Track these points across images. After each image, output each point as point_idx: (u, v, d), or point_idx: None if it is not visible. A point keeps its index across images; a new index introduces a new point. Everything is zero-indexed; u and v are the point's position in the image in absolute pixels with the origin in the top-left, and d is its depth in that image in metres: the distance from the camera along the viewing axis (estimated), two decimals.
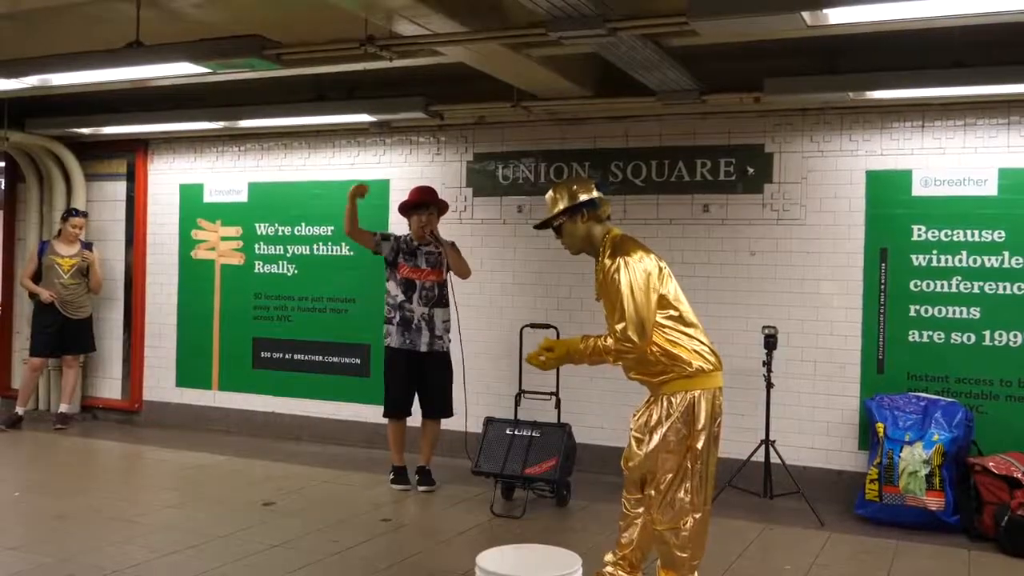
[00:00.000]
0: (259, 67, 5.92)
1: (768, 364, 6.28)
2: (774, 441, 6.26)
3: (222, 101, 7.74)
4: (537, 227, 4.53)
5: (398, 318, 6.57)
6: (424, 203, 6.57)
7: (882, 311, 6.48)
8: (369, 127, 7.94)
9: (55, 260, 8.69)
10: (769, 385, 6.28)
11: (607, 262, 4.11)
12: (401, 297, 6.57)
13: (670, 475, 3.99)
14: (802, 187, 6.72)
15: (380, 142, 8.14)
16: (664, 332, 4.03)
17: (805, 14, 4.21)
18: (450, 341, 6.71)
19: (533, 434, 6.15)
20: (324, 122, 7.89)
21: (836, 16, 4.33)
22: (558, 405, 6.52)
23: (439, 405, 6.70)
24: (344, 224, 6.65)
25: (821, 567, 5.10)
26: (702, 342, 4.10)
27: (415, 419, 6.76)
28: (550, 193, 4.33)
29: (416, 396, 6.72)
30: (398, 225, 7.58)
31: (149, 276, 9.21)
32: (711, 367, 4.06)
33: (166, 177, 9.14)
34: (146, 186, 9.24)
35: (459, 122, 7.62)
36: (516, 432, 6.19)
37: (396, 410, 6.68)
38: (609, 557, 4.31)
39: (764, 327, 6.36)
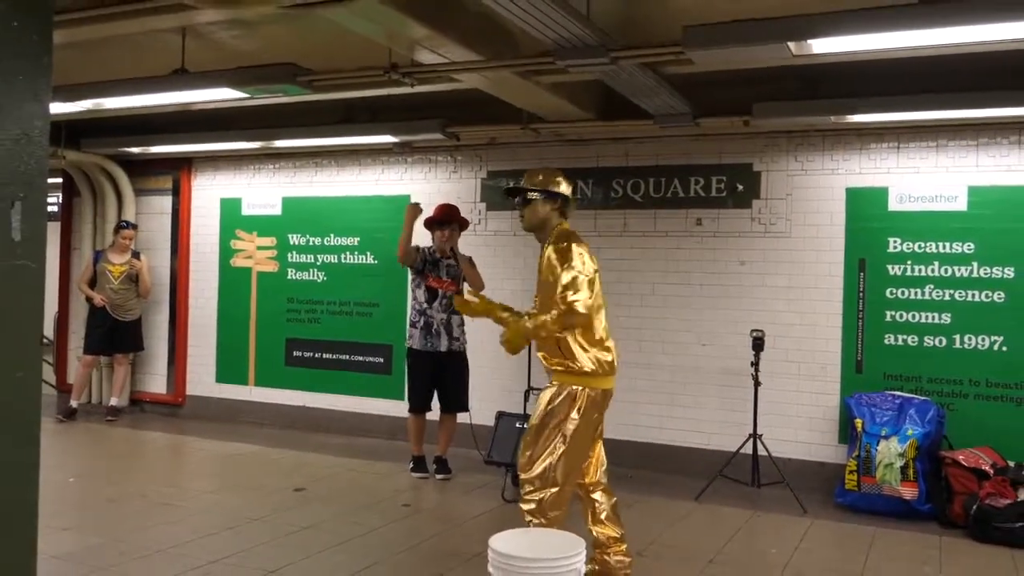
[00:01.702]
0: (292, 92, 5.94)
1: (756, 364, 6.26)
2: (761, 435, 6.24)
3: (258, 123, 7.76)
4: (508, 191, 4.55)
5: (421, 322, 6.59)
6: (446, 220, 6.60)
7: (861, 316, 6.46)
8: (392, 147, 7.95)
9: (107, 267, 8.74)
10: (757, 383, 6.26)
11: (554, 246, 4.17)
12: (425, 304, 6.60)
13: (548, 448, 4.10)
14: (787, 203, 6.71)
15: (402, 160, 8.16)
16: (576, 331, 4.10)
17: (791, 44, 4.22)
18: (466, 343, 6.74)
19: None
20: (351, 142, 7.91)
21: (819, 46, 4.33)
22: None
23: (456, 401, 6.72)
24: (400, 248, 6.54)
25: (804, 551, 5.08)
26: (605, 348, 4.18)
27: (433, 413, 6.77)
28: (541, 171, 4.40)
29: (435, 392, 6.74)
30: (418, 238, 7.60)
31: (192, 282, 9.23)
32: (603, 372, 4.14)
33: (208, 192, 9.17)
34: (190, 200, 9.27)
35: (474, 142, 7.62)
36: (525, 425, 6.17)
37: (418, 406, 6.70)
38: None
39: (752, 330, 6.35)
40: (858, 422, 6.01)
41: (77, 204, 9.65)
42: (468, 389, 6.77)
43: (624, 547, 4.25)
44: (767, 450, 6.21)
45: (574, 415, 4.08)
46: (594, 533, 4.25)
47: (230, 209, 9.03)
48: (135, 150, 8.84)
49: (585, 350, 4.09)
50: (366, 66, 5.59)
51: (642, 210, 7.14)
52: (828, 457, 6.48)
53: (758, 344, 6.26)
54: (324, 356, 8.45)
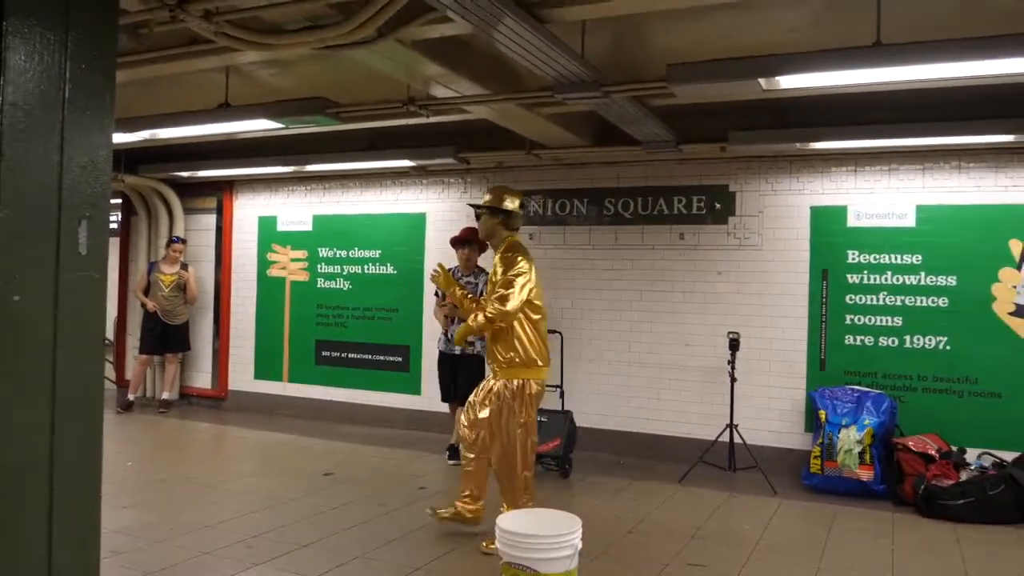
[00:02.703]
0: (322, 123, 5.95)
1: (732, 362, 6.27)
2: (737, 425, 6.25)
3: (292, 150, 7.78)
4: (471, 204, 4.87)
5: (446, 335, 6.62)
6: (465, 240, 6.55)
7: (824, 319, 6.47)
8: (410, 170, 7.97)
9: (159, 277, 8.77)
10: (733, 379, 6.26)
11: (501, 255, 4.47)
12: (447, 320, 6.58)
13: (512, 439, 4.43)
14: (759, 219, 6.72)
15: (418, 182, 8.18)
16: (526, 325, 4.43)
17: (761, 80, 4.23)
18: (481, 347, 6.65)
19: (541, 419, 6.14)
20: (374, 167, 7.91)
21: (786, 82, 4.35)
22: (562, 395, 6.53)
23: (467, 395, 6.69)
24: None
25: (775, 527, 5.09)
26: (544, 347, 4.53)
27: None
28: (494, 189, 4.75)
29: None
30: (432, 251, 7.64)
31: (233, 290, 9.26)
32: (542, 364, 4.50)
33: (247, 211, 9.20)
34: (231, 218, 9.30)
35: (482, 166, 7.64)
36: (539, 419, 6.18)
37: (445, 397, 6.73)
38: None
39: (728, 332, 6.36)
40: (822, 413, 6.01)
41: (134, 222, 9.68)
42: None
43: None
44: (742, 438, 6.21)
45: (526, 407, 4.42)
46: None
47: (267, 226, 9.06)
48: (184, 174, 8.86)
49: (539, 349, 4.45)
50: (387, 99, 5.62)
51: (631, 226, 7.15)
52: (795, 444, 6.48)
53: (734, 344, 6.27)
54: (349, 356, 8.46)
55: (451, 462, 6.56)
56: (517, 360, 4.42)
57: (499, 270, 4.41)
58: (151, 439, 7.64)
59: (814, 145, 6.02)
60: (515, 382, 4.42)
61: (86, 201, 2.18)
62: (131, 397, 8.79)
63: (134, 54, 4.56)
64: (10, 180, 1.98)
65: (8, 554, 1.91)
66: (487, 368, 4.68)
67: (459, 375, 6.62)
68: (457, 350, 6.55)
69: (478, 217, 4.70)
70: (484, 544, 4.40)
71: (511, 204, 4.63)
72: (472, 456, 4.67)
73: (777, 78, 4.21)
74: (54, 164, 2.11)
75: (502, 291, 4.32)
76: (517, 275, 4.34)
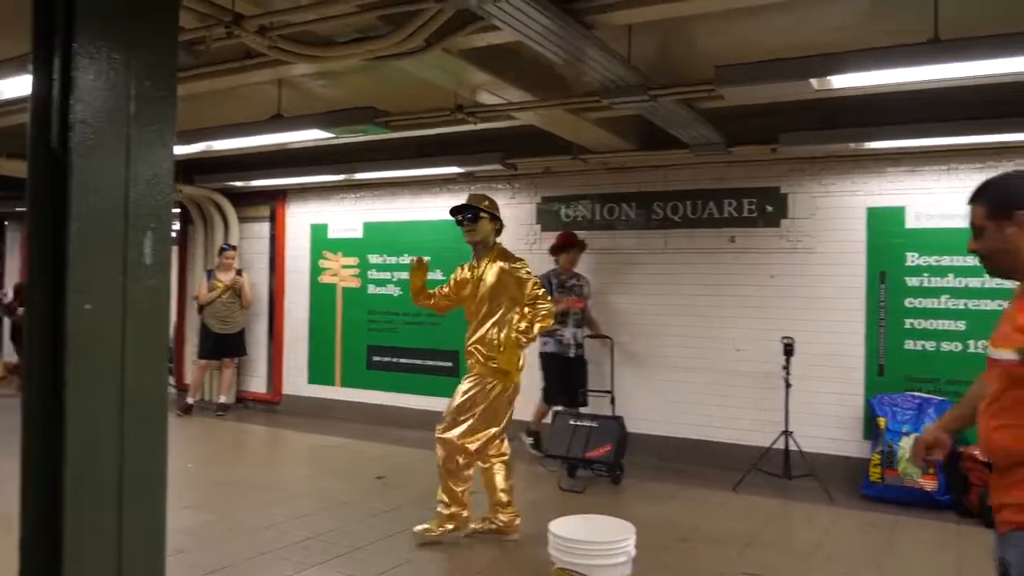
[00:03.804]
0: (372, 132, 6.08)
1: (786, 368, 6.20)
2: (792, 432, 6.17)
3: (342, 159, 7.94)
4: (456, 208, 4.88)
5: (556, 335, 6.68)
6: (567, 245, 6.73)
7: (882, 324, 6.36)
8: (457, 176, 8.07)
9: (215, 284, 9.00)
10: (787, 385, 6.19)
11: (504, 264, 4.69)
12: (556, 324, 6.46)
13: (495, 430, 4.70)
14: (812, 222, 6.64)
15: (466, 188, 8.22)
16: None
17: (813, 81, 4.20)
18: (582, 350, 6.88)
19: (593, 424, 6.17)
20: (422, 174, 8.02)
21: (838, 82, 4.30)
22: (613, 401, 6.53)
23: (582, 397, 6.79)
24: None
25: (833, 537, 5.02)
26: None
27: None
28: (486, 197, 4.93)
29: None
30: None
31: (287, 296, 9.46)
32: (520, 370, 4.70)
33: (299, 219, 9.40)
34: (284, 226, 9.51)
35: (529, 171, 7.69)
36: (579, 423, 6.21)
37: (554, 400, 6.78)
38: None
39: (782, 337, 6.29)
40: (881, 420, 5.91)
41: (191, 231, 9.95)
42: (587, 386, 6.87)
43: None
44: (797, 445, 6.14)
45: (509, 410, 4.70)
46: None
47: (318, 233, 9.24)
48: (239, 184, 9.11)
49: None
50: (435, 107, 5.71)
51: (680, 229, 7.12)
52: (853, 452, 6.37)
53: (788, 350, 6.20)
54: (400, 360, 8.57)
55: (533, 451, 6.77)
56: (521, 364, 4.68)
57: (522, 275, 4.65)
58: (209, 441, 7.83)
59: (868, 145, 5.94)
60: (511, 383, 4.67)
61: (151, 213, 2.28)
62: (190, 401, 8.99)
63: (190, 69, 4.72)
64: (80, 195, 2.08)
65: (82, 552, 2.01)
66: (473, 370, 4.79)
67: (574, 377, 6.69)
68: (572, 352, 6.66)
69: (472, 220, 4.77)
70: (419, 528, 4.70)
71: (499, 213, 4.91)
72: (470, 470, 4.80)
73: (830, 78, 4.17)
74: (121, 178, 2.21)
75: (541, 291, 4.63)
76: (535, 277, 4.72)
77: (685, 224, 7.10)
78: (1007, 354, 2.06)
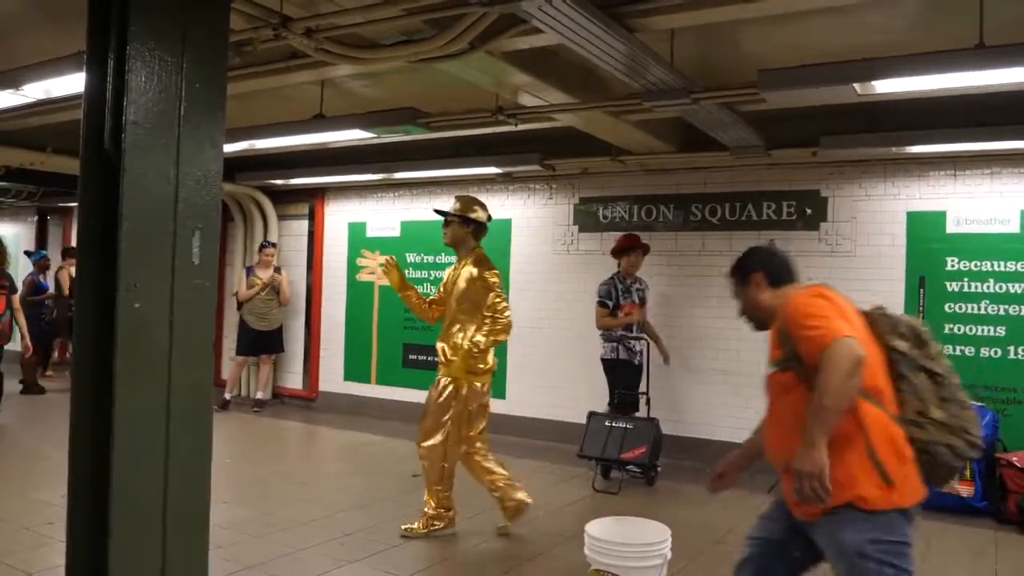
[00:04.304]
0: (413, 132, 6.08)
1: None
2: None
3: (381, 158, 7.95)
4: (438, 210, 4.96)
5: (622, 343, 6.50)
6: (630, 247, 6.52)
7: None
8: (495, 177, 8.06)
9: (255, 281, 9.08)
10: None
11: (475, 270, 4.69)
12: (622, 330, 6.49)
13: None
14: (852, 225, 6.53)
15: (504, 188, 8.26)
16: None
17: (856, 85, 4.12)
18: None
19: (627, 426, 6.12)
20: (460, 174, 8.03)
21: (882, 87, 4.23)
22: (648, 403, 6.47)
23: (637, 403, 6.57)
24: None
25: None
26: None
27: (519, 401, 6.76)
28: (463, 199, 4.93)
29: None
30: (517, 256, 7.69)
31: (324, 294, 9.52)
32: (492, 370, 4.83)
33: (338, 217, 9.46)
34: (323, 224, 9.58)
35: (567, 172, 7.65)
36: (613, 424, 6.16)
37: (621, 406, 6.49)
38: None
39: None
40: None
41: (230, 228, 10.06)
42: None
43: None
44: None
45: (481, 412, 4.77)
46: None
47: (356, 232, 9.29)
48: (279, 182, 9.18)
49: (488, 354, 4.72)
50: (475, 108, 5.71)
51: (718, 232, 7.05)
52: None
53: None
54: (435, 359, 8.54)
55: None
56: (483, 367, 4.73)
57: (490, 287, 4.65)
58: (247, 437, 7.90)
59: (910, 149, 5.82)
60: (478, 384, 4.74)
61: (199, 213, 2.30)
62: (227, 396, 9.08)
63: (236, 69, 4.76)
64: (132, 194, 2.11)
65: (128, 545, 2.03)
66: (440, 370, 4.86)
67: (635, 383, 6.53)
68: (638, 359, 6.51)
69: (446, 224, 4.85)
70: (404, 528, 4.77)
71: (480, 215, 4.86)
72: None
73: (873, 83, 4.10)
74: (171, 178, 2.24)
75: (499, 303, 4.65)
76: (500, 290, 4.70)
77: (723, 226, 7.02)
78: (771, 368, 2.56)
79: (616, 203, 7.58)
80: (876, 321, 2.62)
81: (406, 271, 8.78)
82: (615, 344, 6.55)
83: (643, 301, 6.69)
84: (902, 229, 6.34)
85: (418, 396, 8.61)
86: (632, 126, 5.77)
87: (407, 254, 8.85)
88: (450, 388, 4.74)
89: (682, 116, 5.32)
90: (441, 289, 4.99)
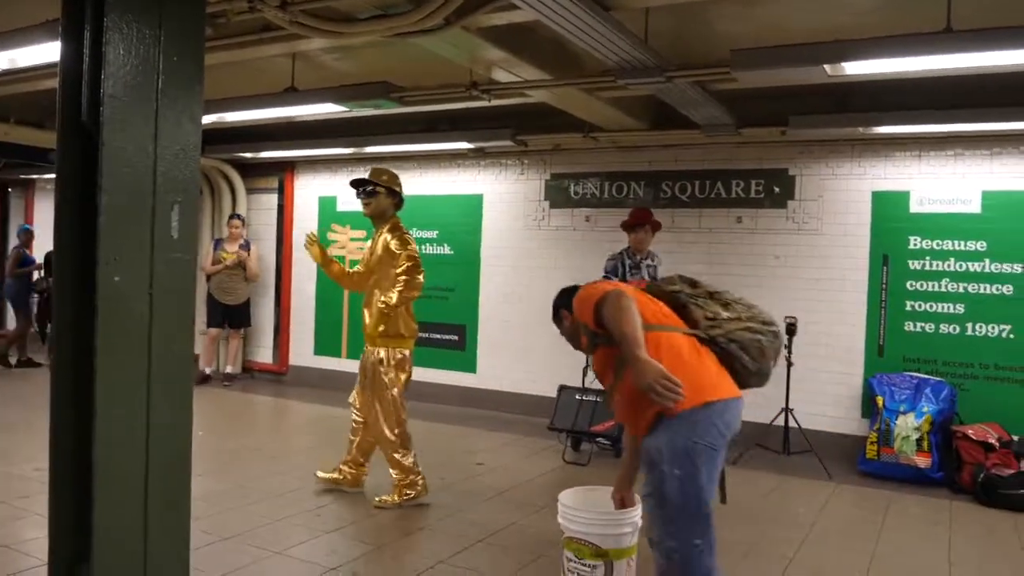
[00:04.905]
0: (385, 106, 6.05)
1: (788, 347, 6.22)
2: (792, 409, 6.22)
3: (351, 132, 7.91)
4: (354, 181, 5.03)
5: None
6: (638, 223, 6.29)
7: (883, 305, 6.39)
8: (467, 152, 8.05)
9: (222, 255, 8.99)
10: (789, 364, 6.23)
11: (389, 236, 4.81)
12: None
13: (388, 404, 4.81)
14: (819, 204, 6.64)
15: (476, 164, 8.25)
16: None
17: (827, 67, 4.19)
18: None
19: (597, 399, 6.19)
20: (432, 148, 8.00)
21: (851, 68, 4.29)
22: None
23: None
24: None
25: (829, 511, 5.09)
26: (414, 319, 4.96)
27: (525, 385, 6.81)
28: (386, 171, 5.02)
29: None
30: (489, 232, 7.71)
31: (294, 268, 9.46)
32: (410, 336, 4.90)
33: (308, 191, 9.39)
34: (292, 198, 9.50)
35: (539, 148, 7.67)
36: (583, 398, 6.24)
37: None
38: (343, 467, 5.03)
39: (786, 317, 6.30)
40: (879, 399, 5.97)
41: (197, 201, 9.92)
42: None
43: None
44: (797, 422, 6.19)
45: (402, 375, 4.82)
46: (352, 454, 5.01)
47: (327, 206, 9.23)
48: (247, 155, 9.07)
49: (409, 320, 4.86)
50: (449, 83, 5.69)
51: (688, 209, 7.13)
52: (851, 430, 6.44)
53: (791, 329, 6.23)
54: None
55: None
56: (405, 333, 4.85)
57: (394, 247, 4.78)
58: (217, 411, 7.87)
59: (877, 129, 5.93)
60: (398, 352, 4.83)
61: (178, 187, 2.30)
62: (207, 371, 9.02)
63: (209, 40, 4.69)
64: (110, 168, 2.10)
65: (110, 516, 2.05)
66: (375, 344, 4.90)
67: None
68: None
69: (369, 195, 4.91)
70: (377, 499, 4.86)
71: (400, 188, 5.01)
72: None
73: (843, 64, 4.16)
74: (149, 152, 2.23)
75: (408, 266, 4.73)
76: (415, 254, 4.82)
77: (693, 204, 7.11)
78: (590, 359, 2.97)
79: (588, 179, 7.62)
80: (657, 284, 3.08)
81: None
82: None
83: (654, 278, 6.54)
84: (867, 208, 6.47)
85: (417, 374, 8.64)
86: (605, 103, 5.80)
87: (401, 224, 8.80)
88: (373, 356, 4.85)
89: (655, 94, 5.36)
90: (361, 264, 5.11)
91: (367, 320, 4.90)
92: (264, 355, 9.67)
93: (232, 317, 9.10)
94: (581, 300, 2.85)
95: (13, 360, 9.67)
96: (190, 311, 2.44)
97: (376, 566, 3.96)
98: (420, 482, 4.87)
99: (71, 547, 2.08)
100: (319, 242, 5.08)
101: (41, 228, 10.94)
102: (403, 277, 4.71)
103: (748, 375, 2.89)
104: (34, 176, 11.91)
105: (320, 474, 5.10)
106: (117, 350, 2.11)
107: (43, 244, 10.03)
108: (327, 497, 4.95)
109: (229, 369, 9.20)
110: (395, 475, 4.85)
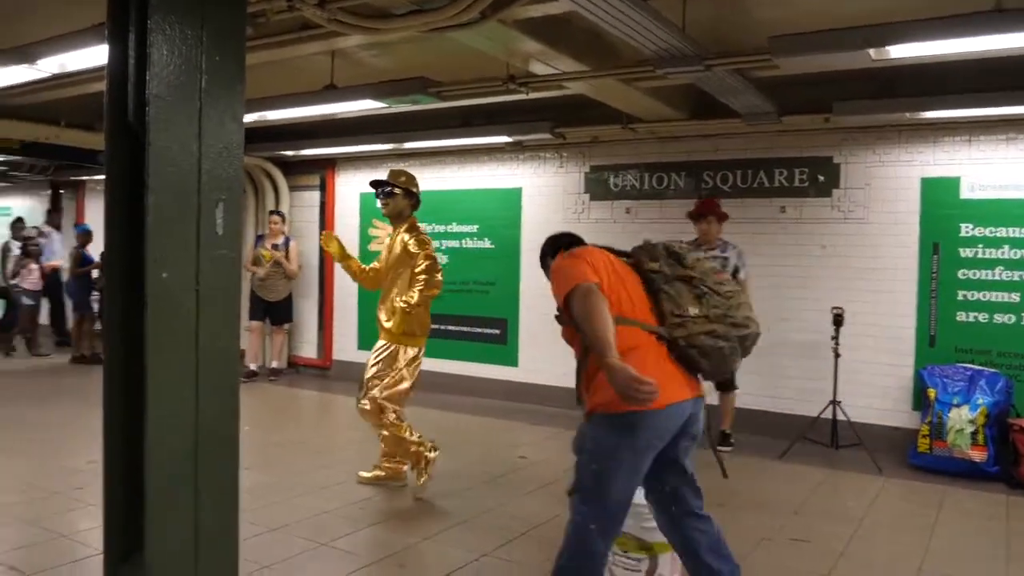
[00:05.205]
0: (423, 101, 6.09)
1: (836, 338, 6.14)
2: (840, 401, 6.13)
3: (390, 128, 7.97)
4: (374, 183, 5.15)
5: None
6: (701, 214, 6.24)
7: (934, 295, 6.25)
8: (505, 146, 8.06)
9: (261, 251, 9.12)
10: (836, 355, 6.13)
11: (407, 236, 4.96)
12: None
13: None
14: (865, 192, 6.52)
15: (514, 157, 8.26)
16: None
17: (871, 50, 4.11)
18: None
19: None
20: (470, 143, 8.03)
21: (896, 52, 4.20)
22: None
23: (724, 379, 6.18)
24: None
25: (880, 505, 5.00)
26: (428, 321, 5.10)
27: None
28: (404, 173, 5.17)
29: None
30: (528, 225, 7.71)
31: (336, 264, 9.53)
32: (426, 334, 5.10)
33: (349, 188, 9.49)
34: (334, 194, 9.62)
35: (578, 141, 7.65)
36: None
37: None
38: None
39: (832, 308, 6.22)
40: (931, 391, 5.84)
41: (241, 199, 10.08)
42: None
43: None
44: (845, 415, 6.10)
45: (414, 371, 5.00)
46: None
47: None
48: (289, 153, 9.20)
49: (425, 318, 5.01)
50: (486, 77, 5.70)
51: (730, 199, 7.02)
52: (902, 423, 6.31)
53: (838, 320, 6.13)
54: (449, 328, 8.62)
55: (723, 448, 6.20)
56: (418, 332, 5.01)
57: (412, 247, 4.91)
58: (264, 405, 7.99)
59: (925, 114, 5.79)
60: (410, 349, 4.99)
61: (222, 185, 2.35)
62: (253, 367, 9.12)
63: (249, 40, 4.76)
64: (156, 168, 2.15)
65: (161, 507, 2.11)
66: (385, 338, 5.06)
67: None
68: None
69: (388, 195, 5.02)
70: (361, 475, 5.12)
71: (417, 189, 5.14)
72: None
73: (888, 48, 4.08)
74: (194, 152, 2.28)
75: (426, 265, 4.88)
76: (434, 254, 4.97)
77: (735, 194, 7.02)
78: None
79: (627, 171, 7.58)
80: (637, 255, 3.02)
81: None
82: None
83: (721, 270, 6.32)
84: (916, 195, 6.33)
85: (431, 364, 8.69)
86: (643, 93, 5.76)
87: (418, 224, 8.86)
88: (389, 350, 4.99)
89: (694, 83, 5.30)
90: (379, 262, 5.22)
91: (382, 319, 5.05)
92: (308, 350, 9.81)
93: (273, 313, 9.23)
94: (556, 274, 2.84)
95: (80, 354, 9.98)
96: (235, 307, 2.50)
97: (420, 559, 4.01)
98: (429, 455, 5.00)
99: (125, 537, 2.15)
100: (337, 239, 5.20)
101: (91, 228, 11.24)
102: (423, 277, 4.86)
103: (706, 375, 2.92)
104: (84, 178, 12.22)
105: (362, 474, 5.18)
106: (165, 346, 2.16)
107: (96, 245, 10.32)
108: (371, 491, 5.02)
109: (275, 364, 9.35)
110: (420, 449, 4.98)
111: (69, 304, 10.94)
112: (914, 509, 4.97)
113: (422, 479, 4.94)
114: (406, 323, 4.93)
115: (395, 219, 5.11)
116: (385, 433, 5.02)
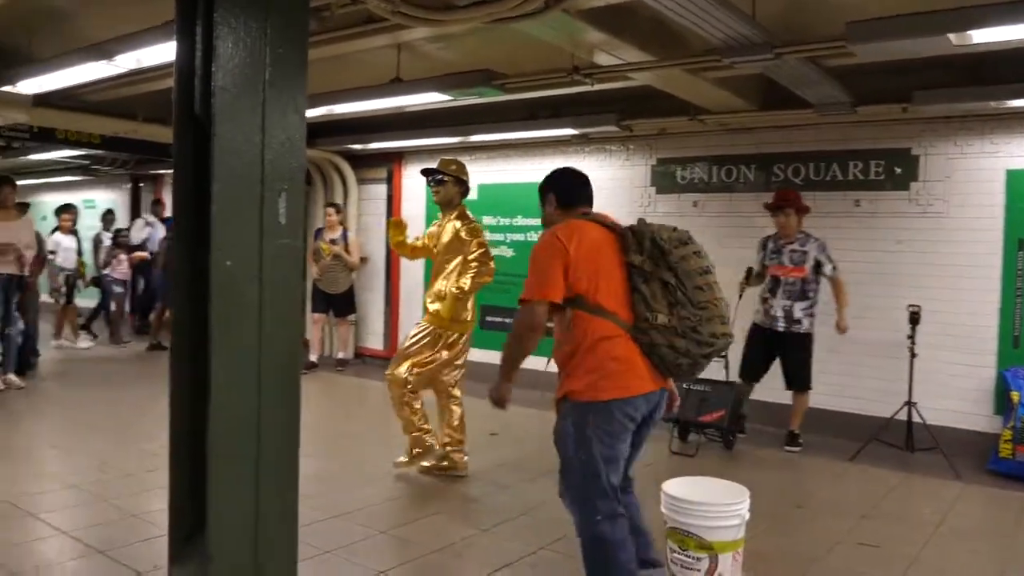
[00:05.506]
0: (488, 94, 6.10)
1: (912, 337, 5.93)
2: (915, 403, 5.92)
3: (455, 121, 8.00)
4: (425, 171, 5.32)
5: (764, 304, 6.20)
6: (778, 205, 6.11)
7: (1019, 293, 5.98)
8: (571, 139, 8.02)
9: (320, 244, 9.24)
10: (912, 355, 5.93)
11: (459, 224, 5.08)
12: (768, 293, 6.16)
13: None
14: (945, 185, 6.27)
15: (580, 150, 8.21)
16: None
17: (952, 36, 3.95)
18: (810, 326, 6.13)
19: (706, 389, 6.07)
20: (536, 136, 8.02)
21: (979, 36, 4.03)
22: (727, 366, 6.40)
23: (795, 377, 6.19)
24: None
25: (957, 512, 4.82)
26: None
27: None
28: (455, 162, 5.30)
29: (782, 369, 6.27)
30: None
31: (402, 257, 9.65)
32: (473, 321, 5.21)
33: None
34: (400, 188, 9.73)
35: (644, 133, 7.55)
36: (692, 387, 6.12)
37: (746, 376, 6.29)
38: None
39: (909, 305, 6.02)
40: (1014, 395, 5.60)
41: (310, 192, 10.28)
42: (808, 368, 6.16)
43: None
44: (921, 417, 5.89)
45: (452, 356, 5.15)
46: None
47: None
48: (357, 146, 9.33)
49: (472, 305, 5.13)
50: (550, 68, 5.69)
51: (803, 192, 6.83)
52: (982, 426, 6.06)
53: (914, 318, 5.93)
54: (512, 321, 8.62)
55: (790, 449, 6.18)
56: (468, 317, 5.14)
57: (464, 235, 5.04)
58: (331, 395, 8.14)
59: (1011, 103, 5.54)
60: (454, 334, 5.12)
61: (285, 175, 2.40)
62: (314, 359, 9.22)
63: (314, 35, 4.86)
64: (221, 158, 2.21)
65: (223, 490, 2.17)
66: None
67: (786, 354, 6.14)
68: (781, 325, 6.06)
69: (439, 183, 5.18)
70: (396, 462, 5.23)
71: (467, 177, 5.27)
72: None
73: (970, 32, 3.91)
74: (257, 142, 2.33)
75: (480, 252, 5.03)
76: (486, 242, 5.11)
77: (807, 187, 6.83)
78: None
79: (695, 164, 7.46)
80: (625, 238, 3.02)
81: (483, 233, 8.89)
82: (756, 306, 6.26)
83: (798, 264, 6.08)
84: (1000, 188, 6.06)
85: (495, 357, 8.71)
86: (711, 84, 5.65)
87: (484, 217, 8.91)
88: (430, 332, 5.10)
89: (764, 72, 5.19)
90: (423, 240, 5.43)
91: (428, 302, 5.19)
92: (375, 341, 9.95)
93: (335, 306, 9.32)
94: (533, 258, 3.10)
95: (157, 342, 10.36)
96: (297, 295, 2.55)
97: (476, 550, 4.03)
98: (428, 441, 5.17)
99: (189, 519, 2.22)
100: (405, 226, 5.56)
101: None
102: (475, 264, 4.99)
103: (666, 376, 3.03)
104: (161, 171, 12.65)
105: (423, 463, 5.24)
106: (230, 332, 2.22)
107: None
108: (433, 480, 5.07)
109: (341, 355, 9.51)
110: (437, 439, 5.18)
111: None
112: (994, 516, 4.78)
113: (406, 459, 5.15)
114: (455, 309, 5.03)
115: (445, 206, 5.24)
116: (444, 415, 5.22)
